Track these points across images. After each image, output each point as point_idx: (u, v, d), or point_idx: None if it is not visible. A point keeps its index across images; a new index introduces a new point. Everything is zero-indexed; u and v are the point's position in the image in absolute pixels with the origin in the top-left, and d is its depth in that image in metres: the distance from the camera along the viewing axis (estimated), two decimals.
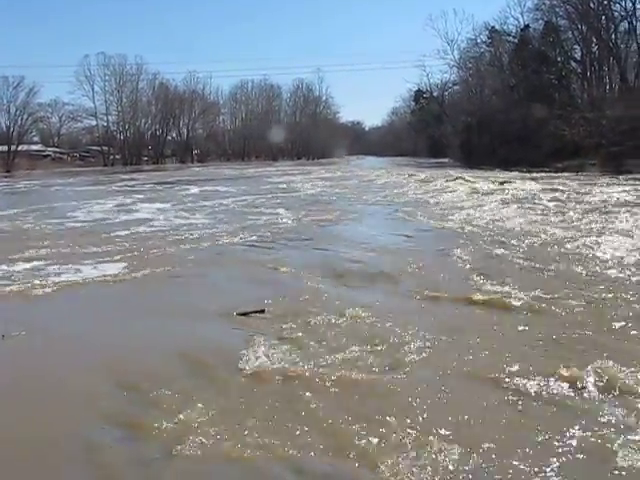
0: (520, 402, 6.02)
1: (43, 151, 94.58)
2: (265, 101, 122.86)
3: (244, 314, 9.44)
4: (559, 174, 43.66)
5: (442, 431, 5.43)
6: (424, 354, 7.36)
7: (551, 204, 23.50)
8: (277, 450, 5.34)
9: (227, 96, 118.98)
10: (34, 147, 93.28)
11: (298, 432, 5.61)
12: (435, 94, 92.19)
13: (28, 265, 13.80)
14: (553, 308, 9.03)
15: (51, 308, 10.91)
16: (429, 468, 4.90)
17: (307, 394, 6.38)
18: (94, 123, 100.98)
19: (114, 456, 5.44)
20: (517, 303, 9.29)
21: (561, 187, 31.44)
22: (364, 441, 5.36)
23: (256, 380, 6.80)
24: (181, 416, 5.97)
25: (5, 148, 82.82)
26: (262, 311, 9.51)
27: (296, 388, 6.56)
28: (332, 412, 5.95)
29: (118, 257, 14.57)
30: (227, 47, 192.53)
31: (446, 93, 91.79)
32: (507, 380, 6.47)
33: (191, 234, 18.41)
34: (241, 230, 19.11)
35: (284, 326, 8.65)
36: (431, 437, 5.35)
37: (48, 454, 5.57)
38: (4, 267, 13.56)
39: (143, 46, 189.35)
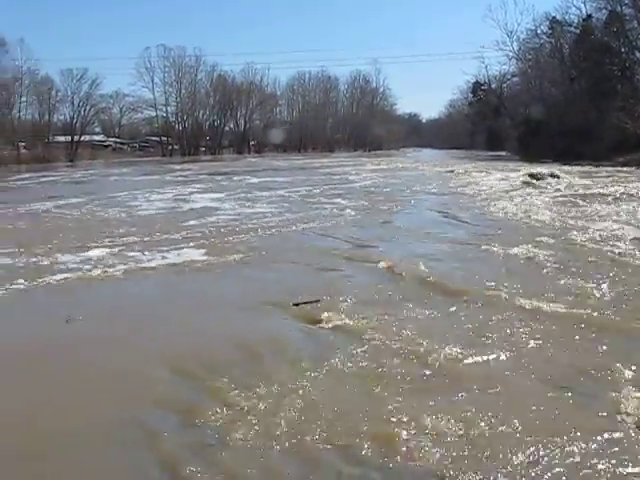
0: None
1: (104, 141, 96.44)
2: (322, 92, 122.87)
3: (299, 304, 9.51)
4: (621, 168, 42.85)
5: None
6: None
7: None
8: (330, 439, 5.42)
9: (284, 87, 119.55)
10: (96, 137, 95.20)
11: (350, 422, 5.70)
12: (493, 86, 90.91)
13: (109, 251, 14.42)
14: None
15: (119, 293, 11.31)
16: None
17: (366, 385, 6.46)
18: (154, 114, 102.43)
19: (170, 442, 5.57)
20: None
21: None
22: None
23: (309, 370, 6.88)
24: (236, 404, 6.10)
25: (69, 138, 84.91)
26: (317, 301, 9.57)
27: (353, 380, 6.62)
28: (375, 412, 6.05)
29: (193, 244, 15.15)
30: (285, 38, 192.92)
31: (504, 85, 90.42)
32: None
33: (260, 223, 18.84)
34: (306, 219, 19.49)
35: (345, 318, 8.66)
36: None
37: (106, 438, 5.72)
38: (87, 253, 14.16)
39: (202, 38, 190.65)
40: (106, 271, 12.35)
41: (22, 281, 11.39)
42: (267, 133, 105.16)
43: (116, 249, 14.65)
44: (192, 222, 19.48)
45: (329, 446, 5.33)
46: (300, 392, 6.35)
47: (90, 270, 12.45)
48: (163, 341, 8.35)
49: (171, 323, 9.20)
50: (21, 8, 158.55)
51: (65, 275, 12.01)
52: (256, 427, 5.65)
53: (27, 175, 51.59)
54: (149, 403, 6.37)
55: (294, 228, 17.97)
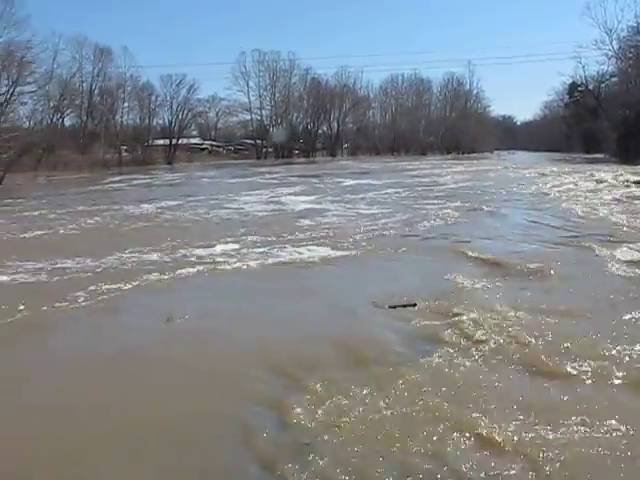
0: None
1: (201, 144, 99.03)
2: (415, 95, 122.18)
3: (396, 307, 9.57)
4: None
5: None
6: None
7: None
8: (427, 447, 5.39)
9: (377, 90, 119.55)
10: (193, 140, 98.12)
11: (447, 435, 5.64)
12: (590, 87, 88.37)
13: (236, 247, 15.53)
14: None
15: (225, 289, 11.79)
16: None
17: (467, 392, 6.43)
18: (248, 117, 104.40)
19: (266, 439, 5.67)
20: None
21: None
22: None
23: (407, 374, 6.89)
24: (332, 405, 6.19)
25: (167, 142, 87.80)
26: (414, 305, 9.59)
27: (451, 386, 6.56)
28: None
29: (315, 242, 15.98)
30: (378, 41, 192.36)
31: (602, 85, 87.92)
32: None
33: (366, 224, 19.36)
34: (410, 221, 19.88)
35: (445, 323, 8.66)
36: None
37: (203, 433, 5.88)
38: (214, 248, 15.34)
39: (296, 42, 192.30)
40: (235, 267, 13.25)
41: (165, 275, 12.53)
42: (360, 136, 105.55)
43: (242, 246, 15.64)
44: (305, 222, 20.15)
45: (426, 453, 5.31)
46: (397, 396, 6.39)
47: (222, 263, 13.52)
48: (263, 339, 8.53)
49: (273, 321, 9.47)
50: (125, 17, 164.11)
51: (200, 267, 13.14)
52: (352, 429, 5.71)
53: (129, 177, 53.67)
54: (246, 400, 6.52)
55: (403, 228, 18.44)
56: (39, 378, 7.45)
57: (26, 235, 18.87)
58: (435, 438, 5.54)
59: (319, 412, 6.08)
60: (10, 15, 57.93)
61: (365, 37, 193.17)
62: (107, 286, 11.46)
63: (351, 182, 40.50)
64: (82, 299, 10.65)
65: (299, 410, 6.13)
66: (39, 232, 19.25)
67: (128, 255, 14.63)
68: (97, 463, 5.43)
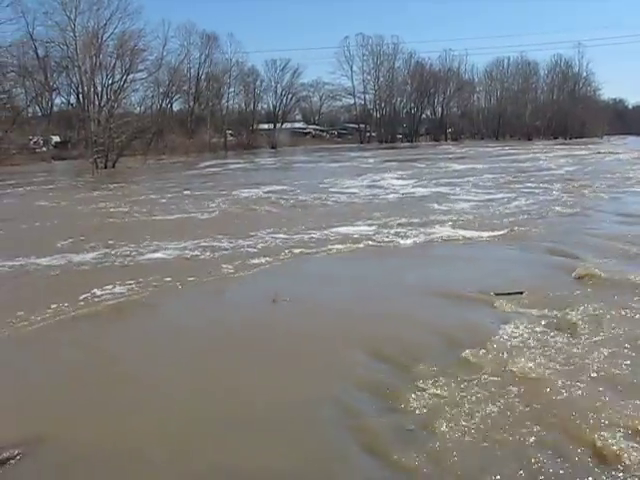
0: None
1: (304, 129, 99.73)
2: (521, 78, 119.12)
3: (501, 294, 9.43)
4: None
5: None
6: None
7: None
8: (540, 438, 5.32)
9: (482, 74, 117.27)
10: (296, 125, 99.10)
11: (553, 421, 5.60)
12: None
13: (364, 228, 16.31)
14: None
15: (341, 270, 12.08)
16: None
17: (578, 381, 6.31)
18: (352, 102, 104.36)
19: (371, 423, 5.73)
20: None
21: None
22: None
23: (509, 364, 6.81)
24: (437, 392, 6.18)
25: (271, 126, 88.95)
26: (520, 293, 9.46)
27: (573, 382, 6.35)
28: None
29: (450, 224, 16.58)
30: (484, 24, 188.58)
31: None
32: None
33: (499, 208, 19.95)
34: (541, 205, 20.12)
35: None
36: None
37: (308, 415, 6.00)
38: (356, 228, 16.23)
39: (400, 25, 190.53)
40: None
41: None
42: (464, 120, 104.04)
43: (383, 227, 16.39)
44: (436, 206, 20.46)
45: (536, 444, 5.24)
46: (502, 385, 6.34)
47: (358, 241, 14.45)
48: (367, 324, 8.59)
49: (377, 306, 9.47)
50: (230, 4, 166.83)
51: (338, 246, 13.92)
52: (456, 416, 5.70)
53: (235, 160, 55.00)
54: (351, 385, 6.57)
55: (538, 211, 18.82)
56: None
57: (155, 217, 19.68)
58: (537, 427, 5.48)
59: (423, 398, 6.09)
60: (125, 6, 60.25)
61: (470, 20, 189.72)
62: (255, 260, 12.67)
63: (460, 167, 40.21)
64: (228, 271, 11.63)
65: (403, 395, 6.16)
66: (168, 215, 20.01)
67: (265, 235, 15.52)
68: (214, 440, 5.60)
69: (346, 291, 10.43)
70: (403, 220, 17.46)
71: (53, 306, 9.50)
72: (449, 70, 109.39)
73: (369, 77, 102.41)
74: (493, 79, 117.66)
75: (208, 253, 13.54)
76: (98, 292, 10.33)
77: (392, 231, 15.73)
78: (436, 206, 20.56)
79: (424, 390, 6.23)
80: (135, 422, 5.95)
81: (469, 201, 21.74)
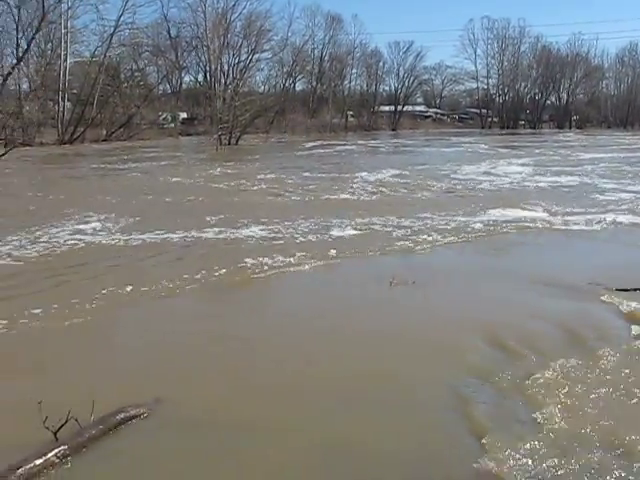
0: None
1: (425, 112, 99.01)
2: None
3: (625, 290, 9.17)
4: None
5: None
6: None
7: None
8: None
9: (613, 59, 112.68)
10: (417, 108, 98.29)
11: None
12: None
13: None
14: None
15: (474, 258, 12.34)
16: None
17: None
18: (474, 86, 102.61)
19: (480, 411, 5.79)
20: None
21: None
22: None
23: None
24: (552, 384, 6.17)
25: (392, 108, 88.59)
26: None
27: None
28: None
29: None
30: (617, 6, 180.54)
31: None
32: None
33: None
34: None
35: None
36: None
37: (419, 397, 6.11)
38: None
39: (526, 8, 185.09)
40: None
41: None
42: (590, 108, 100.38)
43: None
44: (597, 196, 20.46)
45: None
46: (619, 382, 6.25)
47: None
48: (480, 311, 8.67)
49: (492, 295, 9.56)
50: None
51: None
52: (567, 409, 5.68)
53: (357, 141, 54.88)
54: (463, 370, 6.65)
55: None
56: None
57: (296, 198, 20.21)
58: None
59: (536, 389, 6.08)
60: None
61: (602, 2, 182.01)
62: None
63: (597, 156, 39.17)
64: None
65: (516, 385, 6.18)
66: (321, 196, 20.59)
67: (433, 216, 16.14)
68: (325, 415, 5.80)
69: (468, 278, 10.51)
70: (570, 207, 17.65)
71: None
72: (577, 55, 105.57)
73: (493, 61, 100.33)
74: (625, 65, 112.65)
75: (378, 230, 14.43)
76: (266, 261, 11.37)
77: (568, 218, 16.03)
78: (597, 195, 20.51)
79: (539, 381, 6.23)
80: (251, 392, 6.26)
81: (627, 192, 21.41)
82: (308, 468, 4.96)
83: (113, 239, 13.56)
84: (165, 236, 13.77)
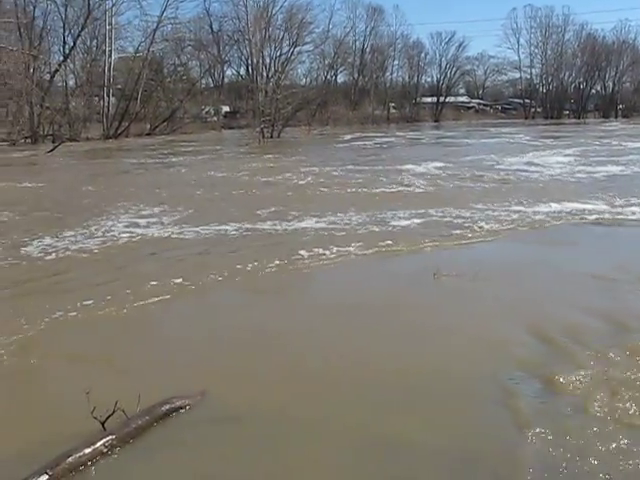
0: None
1: (468, 103, 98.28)
2: None
3: None
4: None
5: None
6: None
7: None
8: None
9: None
10: (460, 99, 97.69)
11: None
12: None
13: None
14: None
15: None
16: None
17: None
18: (517, 76, 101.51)
19: (526, 404, 5.72)
20: None
21: None
22: None
23: None
24: (597, 377, 6.07)
25: (434, 99, 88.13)
26: None
27: None
28: None
29: None
30: None
31: None
32: None
33: None
34: None
35: None
36: None
37: (465, 391, 6.05)
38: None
39: None
40: None
41: None
42: (637, 96, 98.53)
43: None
44: None
45: None
46: None
47: None
48: (526, 305, 8.53)
49: (538, 288, 9.37)
50: None
51: None
52: (612, 403, 5.60)
53: (401, 133, 54.70)
54: (508, 363, 6.60)
55: None
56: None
57: (346, 191, 20.10)
58: None
59: (581, 382, 6.01)
60: None
61: None
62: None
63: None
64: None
65: (562, 378, 6.09)
66: (374, 188, 20.47)
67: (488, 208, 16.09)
68: (370, 409, 5.75)
69: (514, 271, 10.38)
70: (626, 198, 17.42)
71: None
72: (624, 42, 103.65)
73: (536, 50, 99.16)
74: None
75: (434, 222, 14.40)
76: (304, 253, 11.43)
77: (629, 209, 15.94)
78: None
79: (584, 375, 6.14)
80: (297, 387, 6.26)
81: None
82: (354, 466, 4.93)
83: (166, 232, 13.74)
84: (218, 228, 13.94)
